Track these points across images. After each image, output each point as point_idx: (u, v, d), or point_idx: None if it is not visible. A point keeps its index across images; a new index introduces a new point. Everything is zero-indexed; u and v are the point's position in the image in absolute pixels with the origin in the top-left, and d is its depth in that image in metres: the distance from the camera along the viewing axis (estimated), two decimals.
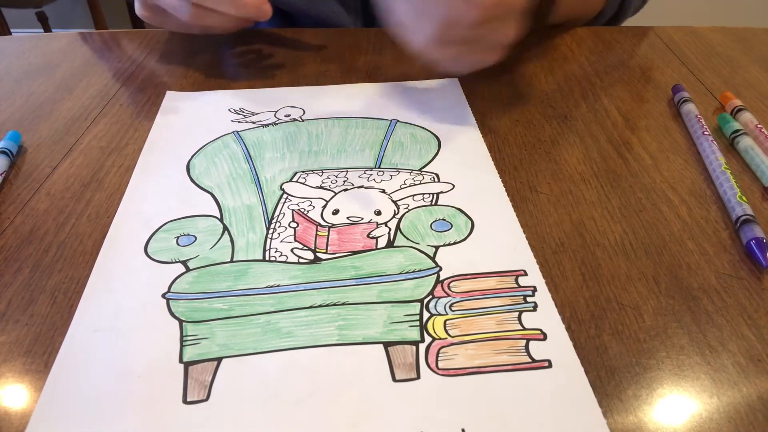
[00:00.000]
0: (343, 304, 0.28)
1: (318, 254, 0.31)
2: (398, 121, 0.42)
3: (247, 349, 0.26)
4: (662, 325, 0.27)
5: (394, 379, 0.24)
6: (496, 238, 0.31)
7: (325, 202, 0.34)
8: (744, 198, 0.33)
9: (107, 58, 0.51)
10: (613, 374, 0.25)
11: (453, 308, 0.27)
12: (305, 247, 0.31)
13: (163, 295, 0.28)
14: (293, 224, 0.32)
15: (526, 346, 0.26)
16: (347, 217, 0.33)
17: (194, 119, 0.42)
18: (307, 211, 0.33)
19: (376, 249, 0.31)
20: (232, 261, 0.30)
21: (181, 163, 0.38)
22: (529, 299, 0.28)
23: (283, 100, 0.44)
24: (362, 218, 0.33)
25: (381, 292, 0.28)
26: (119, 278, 0.29)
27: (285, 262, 0.30)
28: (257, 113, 0.43)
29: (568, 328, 0.27)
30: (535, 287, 0.29)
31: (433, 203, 0.34)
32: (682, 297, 0.28)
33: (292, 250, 0.31)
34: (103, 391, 0.24)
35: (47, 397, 0.24)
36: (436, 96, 0.45)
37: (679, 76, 0.48)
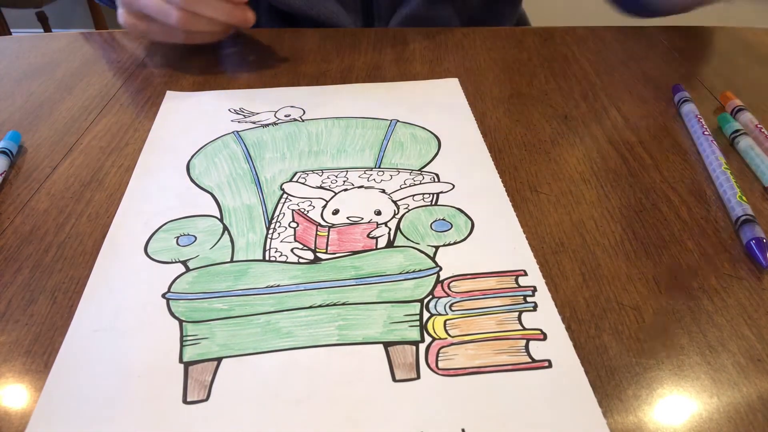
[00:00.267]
0: (343, 304, 0.28)
1: (318, 254, 0.31)
2: (398, 121, 0.42)
3: (247, 349, 0.26)
4: (662, 325, 0.27)
5: (394, 379, 0.24)
6: (496, 238, 0.31)
7: (325, 202, 0.34)
8: (744, 198, 0.33)
9: (107, 58, 0.51)
10: (613, 374, 0.25)
11: (453, 308, 0.27)
12: (305, 247, 0.31)
13: (163, 295, 0.28)
14: (293, 224, 0.32)
15: (526, 346, 0.26)
16: (347, 217, 0.33)
17: (194, 119, 0.42)
18: (307, 211, 0.33)
19: (376, 249, 0.31)
20: (232, 261, 0.30)
21: (181, 163, 0.38)
22: (529, 299, 0.28)
23: (283, 100, 0.44)
24: (362, 218, 0.33)
25: (381, 292, 0.28)
26: (119, 278, 0.29)
27: (285, 262, 0.30)
28: (257, 113, 0.43)
29: (568, 328, 0.27)
30: (535, 287, 0.29)
31: (433, 203, 0.34)
32: (682, 297, 0.28)
33: (292, 250, 0.31)
34: (103, 391, 0.24)
35: (47, 397, 0.24)
36: (436, 96, 0.45)
37: (679, 76, 0.48)
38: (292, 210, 0.34)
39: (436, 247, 0.31)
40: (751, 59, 0.50)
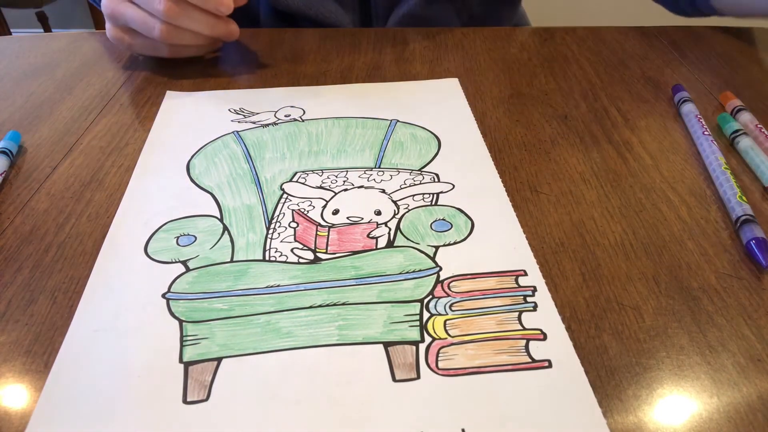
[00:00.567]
0: (343, 304, 0.28)
1: (318, 254, 0.31)
2: (398, 121, 0.42)
3: (247, 349, 0.26)
4: (662, 325, 0.27)
5: (394, 379, 0.24)
6: (496, 238, 0.31)
7: (325, 202, 0.34)
8: (744, 198, 0.33)
9: (107, 58, 0.51)
10: (613, 374, 0.25)
11: (453, 308, 0.27)
12: (305, 247, 0.31)
13: (163, 295, 0.28)
14: (293, 224, 0.32)
15: (526, 346, 0.26)
16: (347, 217, 0.33)
17: (194, 119, 0.42)
18: (307, 211, 0.33)
19: (376, 249, 0.31)
20: (232, 261, 0.30)
21: (181, 163, 0.38)
22: (529, 299, 0.28)
23: (283, 100, 0.44)
24: (362, 218, 0.33)
25: (381, 292, 0.28)
26: (119, 278, 0.29)
27: (285, 262, 0.30)
28: (257, 113, 0.43)
29: (568, 328, 0.27)
30: (535, 287, 0.29)
31: (433, 203, 0.34)
32: (682, 297, 0.28)
33: (292, 250, 0.31)
34: (103, 391, 0.24)
35: (47, 397, 0.24)
36: (436, 96, 0.45)
37: (679, 76, 0.48)
38: (292, 210, 0.34)
39: (436, 247, 0.31)
40: (751, 59, 0.50)
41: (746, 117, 0.40)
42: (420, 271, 0.29)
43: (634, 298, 0.28)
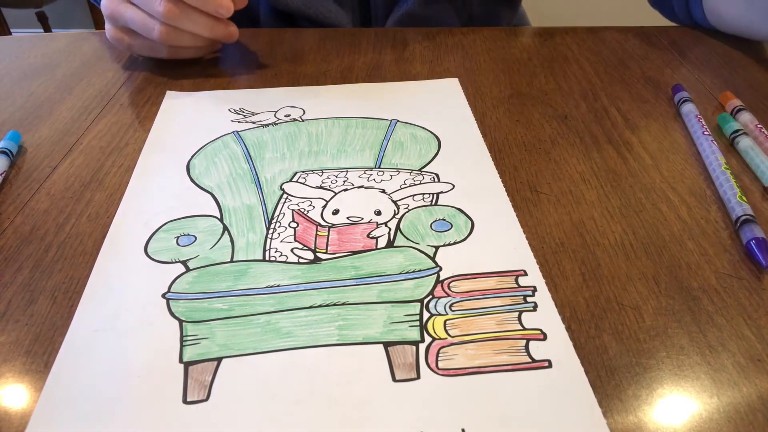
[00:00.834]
0: (343, 304, 0.28)
1: (318, 254, 0.31)
2: (398, 121, 0.42)
3: (247, 349, 0.26)
4: (662, 325, 0.27)
5: (394, 379, 0.24)
6: (496, 238, 0.31)
7: (325, 202, 0.34)
8: (744, 198, 0.33)
9: (107, 58, 0.51)
10: (613, 374, 0.25)
11: (453, 308, 0.27)
12: (305, 247, 0.31)
13: (163, 295, 0.28)
14: (293, 224, 0.32)
15: (526, 346, 0.26)
16: (347, 217, 0.33)
17: (194, 119, 0.42)
18: (307, 211, 0.33)
19: (376, 249, 0.31)
20: (232, 261, 0.30)
21: (181, 163, 0.38)
22: (529, 299, 0.28)
23: (283, 100, 0.44)
24: (362, 218, 0.33)
25: (381, 292, 0.28)
26: (119, 278, 0.29)
27: (285, 262, 0.30)
28: (257, 113, 0.43)
29: (568, 328, 0.27)
30: (535, 287, 0.29)
31: (433, 203, 0.34)
32: (682, 297, 0.28)
33: (292, 250, 0.31)
34: (103, 391, 0.24)
35: (47, 397, 0.24)
36: (436, 96, 0.45)
37: (679, 76, 0.48)
38: (292, 210, 0.34)
39: (436, 247, 0.31)
40: (751, 59, 0.50)
41: (746, 117, 0.40)
42: (420, 271, 0.29)
43: (634, 298, 0.28)
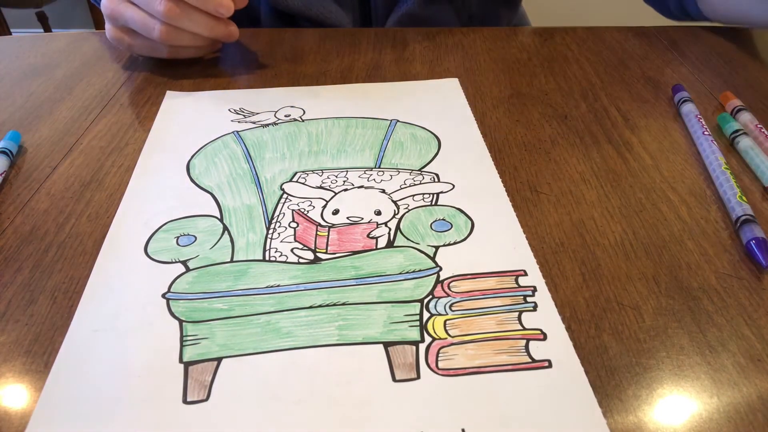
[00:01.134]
0: (343, 304, 0.28)
1: (318, 254, 0.31)
2: (398, 121, 0.42)
3: (247, 349, 0.26)
4: (662, 325, 0.27)
5: (394, 379, 0.24)
6: (496, 238, 0.31)
7: (325, 202, 0.34)
8: (744, 198, 0.33)
9: (107, 58, 0.51)
10: (613, 374, 0.25)
11: (453, 308, 0.27)
12: (305, 247, 0.31)
13: (163, 295, 0.28)
14: (293, 224, 0.32)
15: (526, 346, 0.26)
16: (347, 217, 0.33)
17: (194, 119, 0.42)
18: (307, 211, 0.33)
19: (376, 249, 0.31)
20: (232, 261, 0.30)
21: (181, 163, 0.38)
22: (529, 299, 0.28)
23: (283, 100, 0.44)
24: (362, 218, 0.33)
25: (381, 292, 0.28)
26: (119, 278, 0.29)
27: (285, 262, 0.30)
28: (257, 113, 0.43)
29: (568, 328, 0.27)
30: (535, 287, 0.29)
31: (433, 203, 0.34)
32: (682, 297, 0.28)
33: (292, 250, 0.31)
34: (103, 391, 0.24)
35: (47, 397, 0.24)
36: (436, 96, 0.45)
37: (679, 76, 0.48)
38: (292, 210, 0.34)
39: (436, 247, 0.31)
40: (751, 59, 0.50)
41: (746, 117, 0.40)
42: (420, 271, 0.29)
43: (634, 298, 0.28)
